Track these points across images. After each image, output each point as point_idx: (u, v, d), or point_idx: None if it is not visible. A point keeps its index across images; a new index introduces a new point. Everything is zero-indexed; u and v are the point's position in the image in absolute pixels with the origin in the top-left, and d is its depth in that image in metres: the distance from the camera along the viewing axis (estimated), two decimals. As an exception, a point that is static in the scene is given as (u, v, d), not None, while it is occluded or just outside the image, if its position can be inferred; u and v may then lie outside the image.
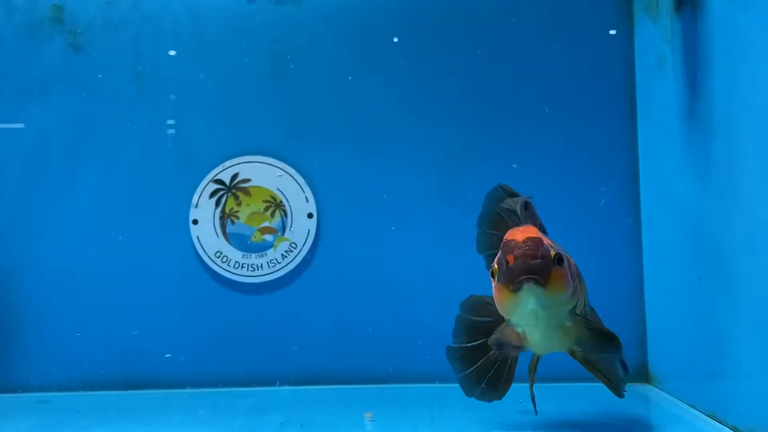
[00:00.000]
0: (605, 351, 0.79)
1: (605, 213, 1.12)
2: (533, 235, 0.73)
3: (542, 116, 1.14)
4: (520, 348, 0.81)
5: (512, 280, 0.70)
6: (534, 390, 0.83)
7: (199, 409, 1.00)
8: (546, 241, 0.74)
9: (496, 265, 0.73)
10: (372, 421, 0.88)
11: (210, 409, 1.01)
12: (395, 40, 1.16)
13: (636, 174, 1.13)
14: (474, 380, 0.84)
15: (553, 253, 0.71)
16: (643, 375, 1.12)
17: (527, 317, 0.74)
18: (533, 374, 0.83)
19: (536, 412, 0.84)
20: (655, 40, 1.04)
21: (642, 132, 1.12)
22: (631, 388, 1.09)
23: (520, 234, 0.74)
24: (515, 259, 0.70)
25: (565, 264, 0.73)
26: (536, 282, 0.70)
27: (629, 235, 1.13)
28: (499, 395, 0.85)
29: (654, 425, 0.91)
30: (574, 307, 0.77)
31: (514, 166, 1.11)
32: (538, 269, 0.70)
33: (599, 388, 0.84)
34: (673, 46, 0.97)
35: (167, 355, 1.11)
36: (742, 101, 0.79)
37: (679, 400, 0.98)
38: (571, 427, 0.87)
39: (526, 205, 0.84)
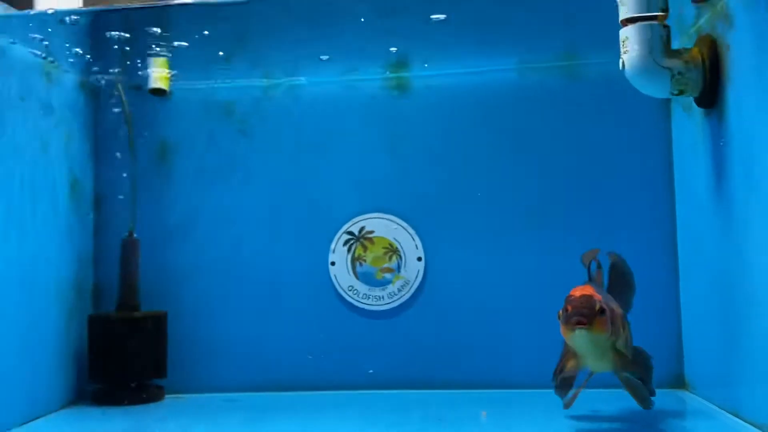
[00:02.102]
0: (637, 375, 1.13)
1: (649, 260, 1.42)
2: (587, 293, 1.06)
3: (600, 184, 1.47)
4: (572, 376, 1.15)
5: (568, 322, 1.04)
6: (596, 395, 1.17)
7: (356, 407, 1.34)
8: (596, 296, 1.06)
9: (560, 312, 1.07)
10: (487, 417, 1.22)
11: (359, 407, 1.35)
12: (481, 124, 1.50)
13: (674, 230, 1.44)
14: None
15: (597, 307, 1.04)
16: (680, 382, 1.42)
17: (580, 347, 1.08)
18: (583, 385, 1.17)
19: (565, 407, 1.16)
20: (690, 130, 1.36)
21: (679, 193, 1.44)
22: (670, 394, 1.40)
23: (579, 291, 1.08)
24: (571, 308, 1.04)
25: (607, 314, 1.05)
26: (583, 325, 1.03)
27: (668, 279, 1.44)
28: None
29: (688, 422, 1.22)
30: (616, 342, 1.09)
31: (574, 235, 1.43)
32: (585, 316, 1.03)
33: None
34: (704, 137, 1.28)
35: (309, 357, 1.48)
36: (754, 181, 1.08)
37: (710, 402, 1.28)
38: (623, 421, 1.19)
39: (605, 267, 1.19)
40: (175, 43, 1.25)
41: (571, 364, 1.16)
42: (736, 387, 1.17)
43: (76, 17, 1.09)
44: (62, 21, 1.09)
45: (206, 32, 1.21)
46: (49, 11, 1.07)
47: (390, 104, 1.53)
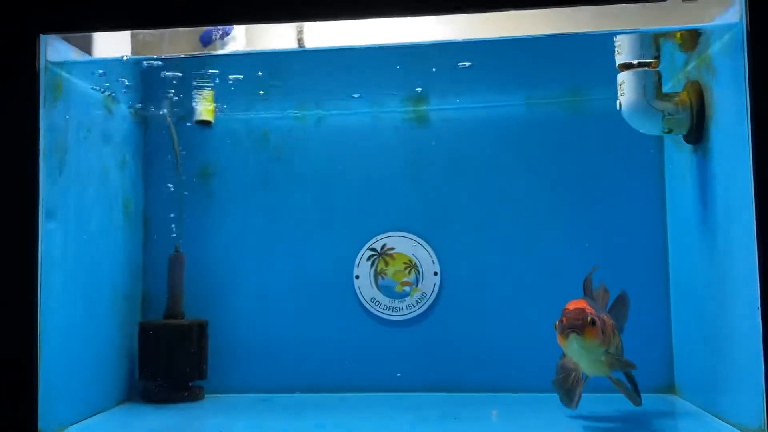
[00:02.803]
0: (627, 370, 1.29)
1: (643, 278, 1.57)
2: (580, 306, 1.21)
3: (600, 208, 1.62)
4: (574, 371, 1.29)
5: (563, 331, 1.18)
6: (588, 399, 1.31)
7: (380, 407, 1.49)
8: (588, 309, 1.20)
9: (557, 322, 1.21)
10: (498, 417, 1.37)
11: (383, 407, 1.49)
12: (492, 152, 1.65)
13: (666, 251, 1.59)
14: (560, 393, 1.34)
15: (589, 318, 1.18)
16: (670, 388, 1.56)
17: (574, 353, 1.23)
18: (582, 386, 1.30)
19: (574, 408, 1.29)
20: (680, 163, 1.51)
21: (670, 218, 1.59)
22: (661, 398, 1.53)
23: (573, 305, 1.22)
24: (566, 319, 1.19)
25: (598, 324, 1.19)
26: (576, 333, 1.17)
27: (660, 293, 1.58)
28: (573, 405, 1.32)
29: (677, 423, 1.35)
30: (608, 349, 1.24)
31: (575, 253, 1.58)
32: (578, 326, 1.17)
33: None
34: (691, 169, 1.43)
35: (345, 361, 1.62)
36: (734, 208, 1.21)
37: (696, 406, 1.40)
38: (619, 421, 1.33)
39: (587, 287, 1.34)
40: (231, 77, 1.40)
41: (572, 376, 1.31)
42: (720, 392, 1.30)
43: (155, 62, 1.25)
44: (137, 63, 1.25)
45: (260, 73, 1.38)
46: (125, 57, 1.23)
47: (410, 134, 1.68)
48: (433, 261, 1.66)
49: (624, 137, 1.56)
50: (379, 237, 1.67)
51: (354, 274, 1.66)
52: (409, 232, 1.66)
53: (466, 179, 1.66)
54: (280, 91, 1.58)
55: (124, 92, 1.55)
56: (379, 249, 1.68)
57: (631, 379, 1.36)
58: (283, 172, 1.69)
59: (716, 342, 1.31)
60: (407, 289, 1.66)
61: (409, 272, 1.67)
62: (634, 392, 1.32)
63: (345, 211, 1.67)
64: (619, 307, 1.37)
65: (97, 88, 1.47)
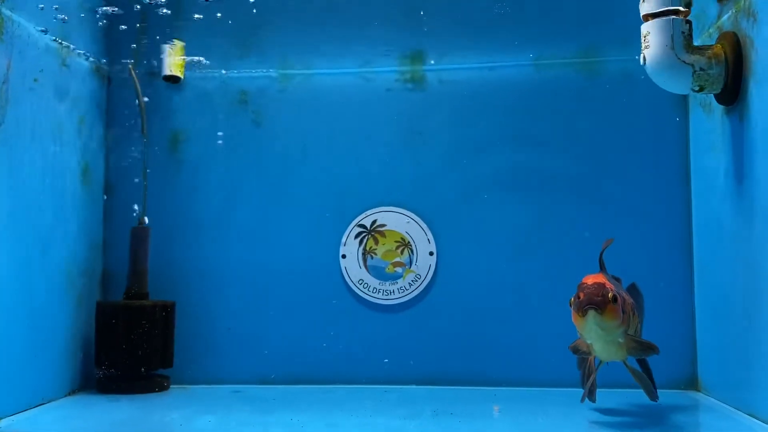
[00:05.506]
0: (648, 355, 1.13)
1: (663, 259, 1.43)
2: (599, 281, 1.07)
3: (615, 182, 1.46)
4: (587, 353, 1.13)
5: (580, 307, 1.05)
6: (610, 395, 1.17)
7: (366, 401, 1.33)
8: (608, 285, 1.07)
9: (573, 299, 1.08)
10: (500, 414, 1.21)
11: (370, 400, 1.34)
12: (496, 119, 1.49)
13: (689, 229, 1.43)
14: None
15: (610, 294, 1.05)
16: (693, 384, 1.42)
17: (590, 333, 1.08)
18: (595, 372, 1.16)
19: (593, 401, 1.14)
20: (709, 129, 1.35)
21: (696, 194, 1.43)
22: (683, 395, 1.40)
23: (591, 279, 1.09)
24: (584, 295, 1.05)
25: (619, 302, 1.06)
26: (596, 310, 1.04)
27: (682, 280, 1.43)
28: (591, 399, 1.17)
29: (706, 422, 1.22)
30: (626, 330, 1.10)
31: (586, 234, 1.43)
32: (597, 303, 1.04)
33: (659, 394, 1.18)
34: (723, 138, 1.28)
35: (328, 350, 1.47)
36: None
37: (725, 403, 1.27)
38: (640, 415, 1.20)
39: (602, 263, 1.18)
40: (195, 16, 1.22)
41: (586, 363, 1.15)
42: (754, 388, 1.17)
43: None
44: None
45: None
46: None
47: (405, 97, 1.52)
48: (428, 240, 1.49)
49: (642, 102, 1.45)
50: (368, 212, 1.51)
51: (340, 253, 1.50)
52: (402, 207, 1.50)
53: (468, 148, 1.50)
54: (260, 45, 1.41)
55: (84, 42, 1.38)
56: (368, 225, 1.51)
57: (647, 369, 1.22)
58: (262, 139, 1.52)
59: (749, 330, 1.18)
60: (399, 270, 1.49)
61: (402, 252, 1.50)
62: (651, 384, 1.18)
63: (331, 183, 1.51)
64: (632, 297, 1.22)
65: (44, 29, 1.28)
